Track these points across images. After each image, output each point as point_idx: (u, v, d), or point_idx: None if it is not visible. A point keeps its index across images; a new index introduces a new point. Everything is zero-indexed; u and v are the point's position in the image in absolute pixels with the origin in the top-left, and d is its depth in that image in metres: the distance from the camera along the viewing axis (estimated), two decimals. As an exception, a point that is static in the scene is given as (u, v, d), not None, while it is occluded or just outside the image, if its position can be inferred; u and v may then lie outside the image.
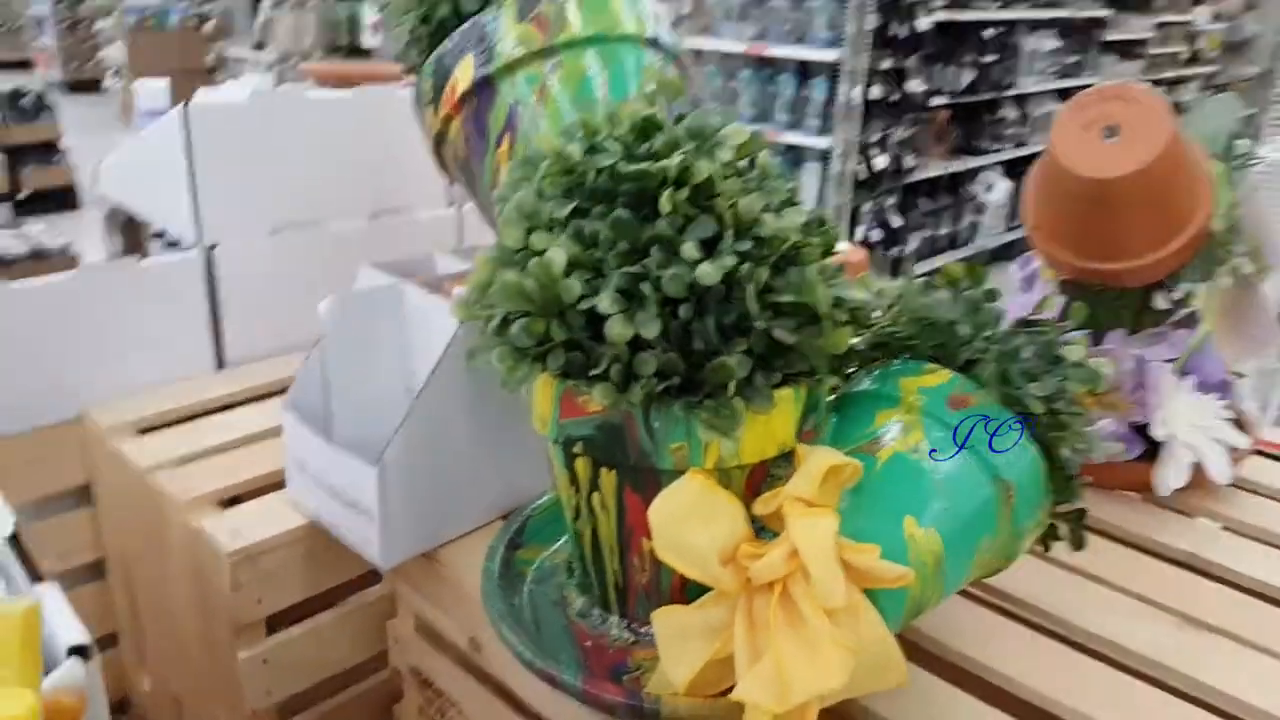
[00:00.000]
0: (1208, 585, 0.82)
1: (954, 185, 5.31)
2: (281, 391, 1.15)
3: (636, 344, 0.58)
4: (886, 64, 4.55)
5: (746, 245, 0.59)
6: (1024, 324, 0.68)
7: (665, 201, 0.58)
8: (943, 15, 4.71)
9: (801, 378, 0.62)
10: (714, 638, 0.62)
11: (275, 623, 0.93)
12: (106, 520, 1.12)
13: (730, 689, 0.62)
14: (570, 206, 0.59)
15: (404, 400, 0.92)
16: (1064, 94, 6.03)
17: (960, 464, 0.65)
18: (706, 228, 0.59)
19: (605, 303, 0.56)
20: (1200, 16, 7.74)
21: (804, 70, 4.68)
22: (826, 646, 0.57)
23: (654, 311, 0.57)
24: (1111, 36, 6.40)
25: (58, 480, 1.09)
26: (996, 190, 5.43)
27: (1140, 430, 0.92)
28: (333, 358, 0.85)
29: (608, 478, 0.65)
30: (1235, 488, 0.96)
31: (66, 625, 0.51)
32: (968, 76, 5.07)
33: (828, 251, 0.64)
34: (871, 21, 4.38)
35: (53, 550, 1.10)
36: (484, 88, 0.75)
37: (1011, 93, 5.47)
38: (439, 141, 0.81)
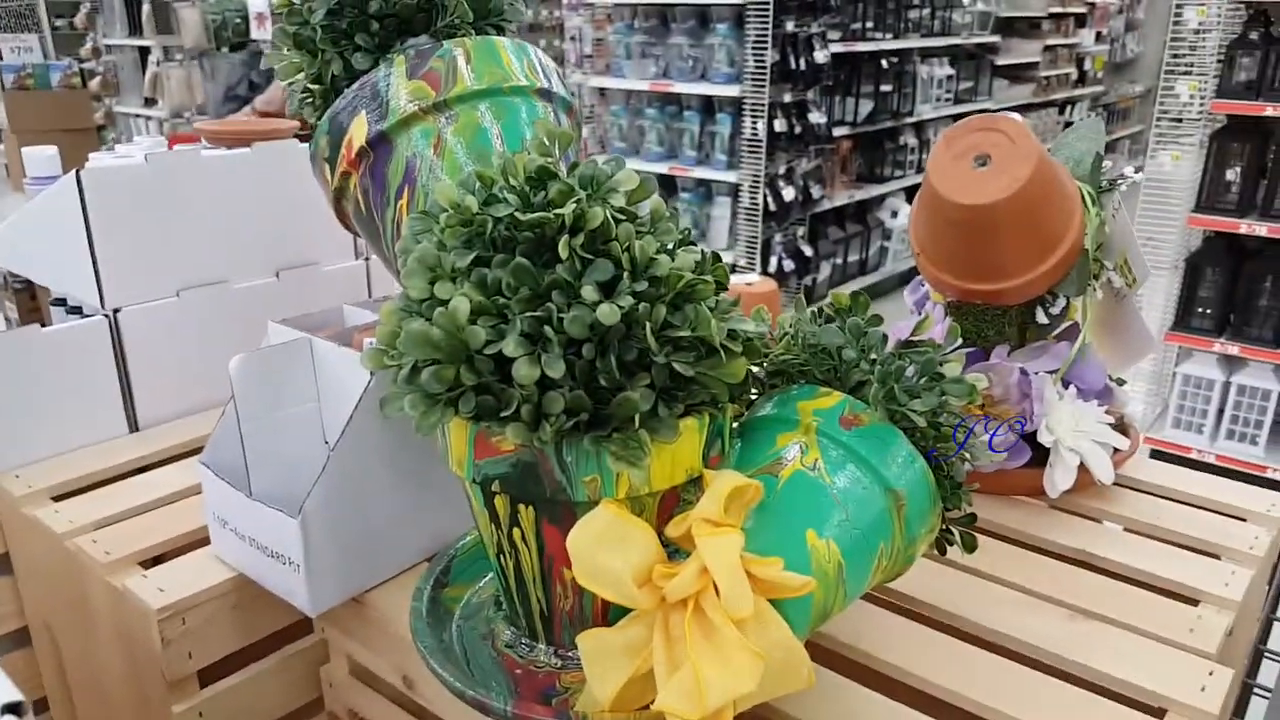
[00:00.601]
0: (1094, 579, 0.88)
1: (860, 213, 5.49)
2: (196, 450, 1.15)
3: (544, 384, 0.61)
4: (788, 97, 4.70)
5: (643, 285, 0.63)
6: (906, 344, 0.73)
7: (563, 248, 0.62)
8: (839, 47, 4.90)
9: (704, 407, 0.66)
10: (635, 655, 0.65)
11: (208, 675, 0.93)
12: (26, 588, 1.10)
13: (653, 703, 0.65)
14: (471, 256, 0.63)
15: (321, 451, 0.93)
16: (960, 119, 6.29)
17: (854, 478, 0.69)
18: (604, 270, 0.63)
19: (511, 347, 0.60)
20: (1086, 38, 8.17)
21: (709, 106, 4.81)
22: (737, 654, 0.60)
23: (558, 353, 0.60)
24: (1003, 61, 6.72)
25: (-27, 553, 1.07)
26: (901, 215, 5.63)
27: (1029, 438, 0.98)
28: (246, 414, 0.86)
29: (526, 513, 0.68)
30: (1121, 486, 1.03)
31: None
32: (867, 106, 5.26)
33: (721, 287, 0.68)
34: (770, 56, 4.53)
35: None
36: (380, 144, 0.78)
37: (910, 120, 5.70)
38: (339, 196, 0.83)
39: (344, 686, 0.95)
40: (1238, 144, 3.45)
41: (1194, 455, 3.48)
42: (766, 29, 4.48)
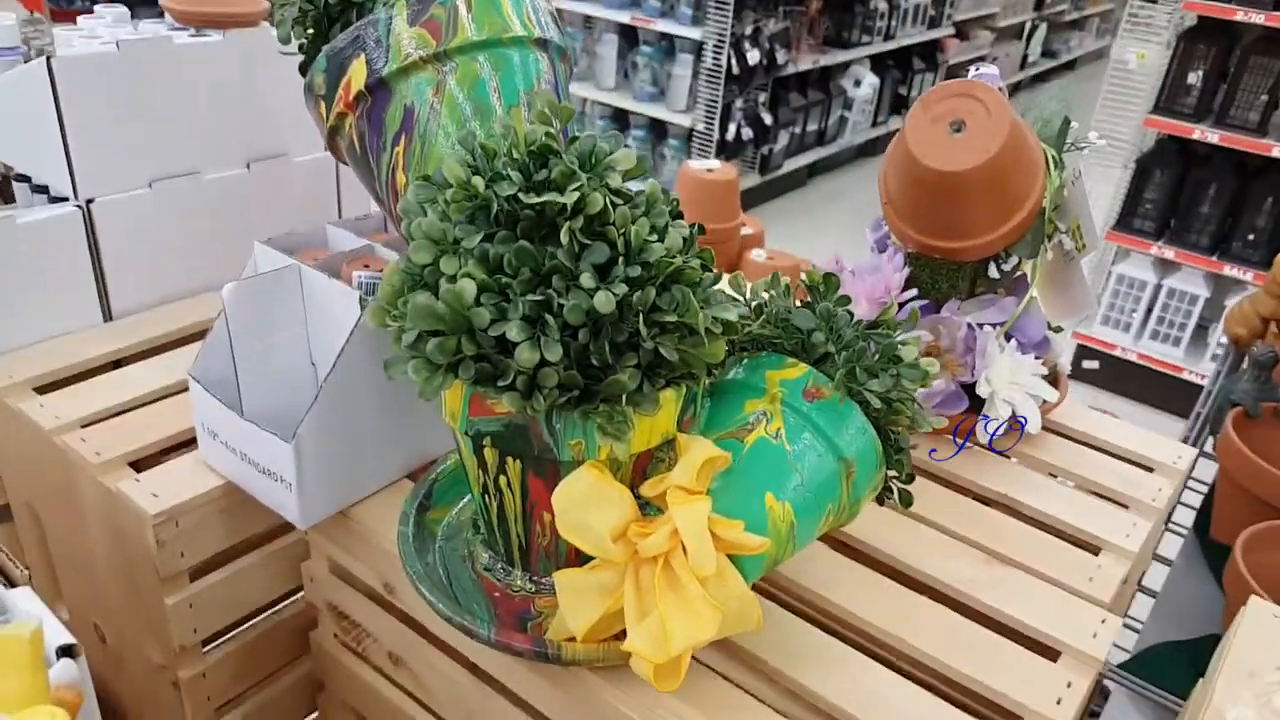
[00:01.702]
0: (1012, 523, 0.98)
1: (824, 79, 5.41)
2: (172, 345, 1.18)
3: (540, 362, 0.66)
4: (759, -48, 4.54)
5: (636, 271, 0.67)
6: (870, 326, 0.79)
7: (564, 234, 0.65)
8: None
9: (682, 380, 0.72)
10: (606, 595, 0.73)
11: (196, 569, 0.99)
12: (8, 471, 1.14)
13: (617, 636, 0.74)
14: (478, 238, 0.66)
15: (307, 370, 0.98)
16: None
17: (811, 446, 0.76)
18: (601, 254, 0.67)
19: (514, 331, 0.64)
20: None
21: (674, -43, 4.62)
22: (700, 607, 0.68)
23: (556, 337, 0.65)
24: (980, -70, 6.50)
25: (-47, 437, 1.10)
26: (864, 85, 5.57)
27: (968, 388, 1.06)
28: (238, 337, 0.89)
29: (513, 465, 0.74)
30: (1047, 431, 1.12)
31: (50, 627, 0.57)
32: (837, -30, 5.10)
33: (706, 267, 0.72)
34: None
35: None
36: (379, 89, 0.79)
37: (881, -15, 5.53)
38: (333, 134, 0.84)
39: (324, 582, 1.02)
40: (1203, 46, 3.47)
41: (1118, 352, 3.66)
42: None
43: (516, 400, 0.67)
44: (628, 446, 0.70)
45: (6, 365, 1.09)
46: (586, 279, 0.65)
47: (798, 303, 0.82)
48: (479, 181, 0.66)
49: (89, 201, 1.12)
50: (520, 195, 0.66)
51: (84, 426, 1.03)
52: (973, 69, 1.07)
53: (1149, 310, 3.70)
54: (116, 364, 1.16)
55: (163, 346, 1.17)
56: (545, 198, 0.66)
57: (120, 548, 0.98)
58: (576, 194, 0.65)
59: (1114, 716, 1.09)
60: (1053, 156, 1.04)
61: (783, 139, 5.02)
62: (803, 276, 0.81)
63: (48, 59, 1.03)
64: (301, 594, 1.09)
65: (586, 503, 0.70)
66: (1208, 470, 1.70)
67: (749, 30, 4.54)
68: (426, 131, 0.78)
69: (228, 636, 1.08)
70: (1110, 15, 8.76)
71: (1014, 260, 1.09)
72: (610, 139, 0.72)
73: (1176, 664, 1.51)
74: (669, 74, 4.63)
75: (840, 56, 5.35)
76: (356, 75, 0.78)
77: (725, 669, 0.80)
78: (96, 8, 1.27)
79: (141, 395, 1.07)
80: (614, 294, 0.65)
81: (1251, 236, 3.48)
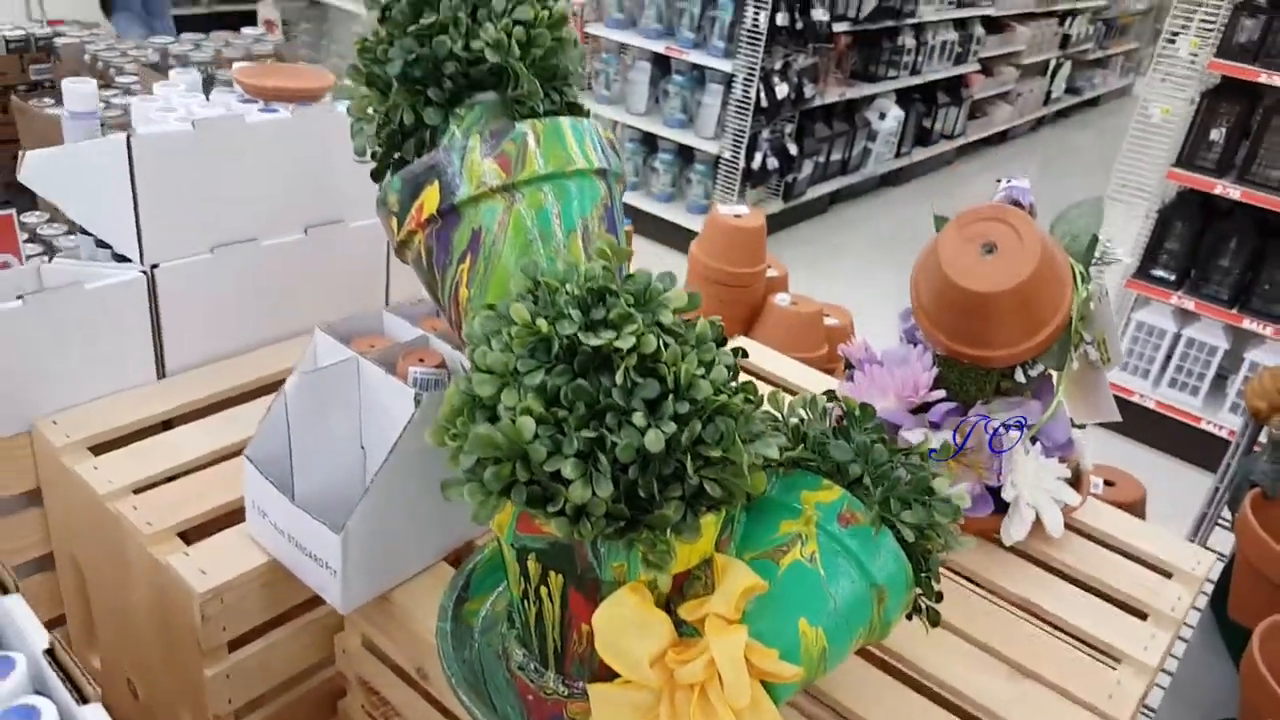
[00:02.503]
0: (1034, 632, 1.00)
1: (849, 112, 5.44)
2: (222, 405, 1.22)
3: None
4: (792, -11, 4.57)
5: (685, 407, 0.70)
6: (904, 453, 0.82)
7: (620, 374, 0.69)
8: (842, -57, 4.74)
9: (722, 505, 0.75)
10: (640, 713, 0.76)
11: (234, 640, 1.03)
12: (56, 525, 1.18)
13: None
14: (539, 377, 0.69)
15: (357, 454, 1.01)
16: (960, 24, 6.17)
17: (845, 572, 0.79)
18: (651, 390, 0.70)
19: (568, 469, 0.67)
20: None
21: (708, -6, 4.67)
22: (734, 733, 0.71)
23: (608, 474, 0.68)
24: (1009, -32, 6.52)
25: (9, 486, 1.14)
26: (889, 118, 5.60)
27: (993, 490, 1.09)
28: (296, 426, 0.93)
29: (555, 578, 0.77)
30: (1069, 529, 1.15)
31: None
32: (870, 3, 5.14)
33: (749, 399, 0.75)
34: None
35: (5, 546, 1.17)
36: (449, 214, 0.82)
37: (911, 21, 5.57)
38: (402, 245, 0.88)
39: (356, 656, 1.06)
40: (1227, 105, 3.49)
41: (1136, 399, 3.67)
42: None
43: (565, 526, 0.71)
44: (668, 576, 0.73)
45: (64, 424, 1.13)
46: (639, 417, 0.68)
47: (833, 425, 0.85)
48: (543, 323, 0.70)
49: (154, 267, 1.16)
50: (580, 334, 0.70)
51: (136, 493, 1.06)
52: (1001, 185, 1.10)
53: (1168, 358, 3.71)
54: (167, 423, 1.20)
55: (213, 406, 1.21)
56: (603, 339, 0.69)
57: (163, 616, 1.02)
58: (633, 338, 0.69)
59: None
60: (1080, 272, 1.07)
61: (807, 168, 5.06)
62: (841, 401, 0.84)
63: (128, 137, 1.08)
64: (330, 668, 1.13)
65: (627, 628, 0.73)
66: (1226, 540, 1.71)
67: (778, 65, 4.58)
68: (491, 254, 0.82)
69: (260, 710, 1.11)
70: (1134, 54, 8.77)
71: (1040, 368, 1.12)
72: (665, 277, 0.75)
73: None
74: (699, 102, 4.68)
75: (866, 90, 5.38)
76: (430, 199, 0.82)
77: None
78: (171, 73, 1.31)
79: (191, 460, 1.11)
80: (663, 432, 0.68)
81: (1270, 288, 3.49)
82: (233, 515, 1.05)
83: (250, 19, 5.87)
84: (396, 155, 0.92)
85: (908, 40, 5.65)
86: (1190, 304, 3.63)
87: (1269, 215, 3.52)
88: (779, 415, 0.85)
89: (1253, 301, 3.52)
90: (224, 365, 1.27)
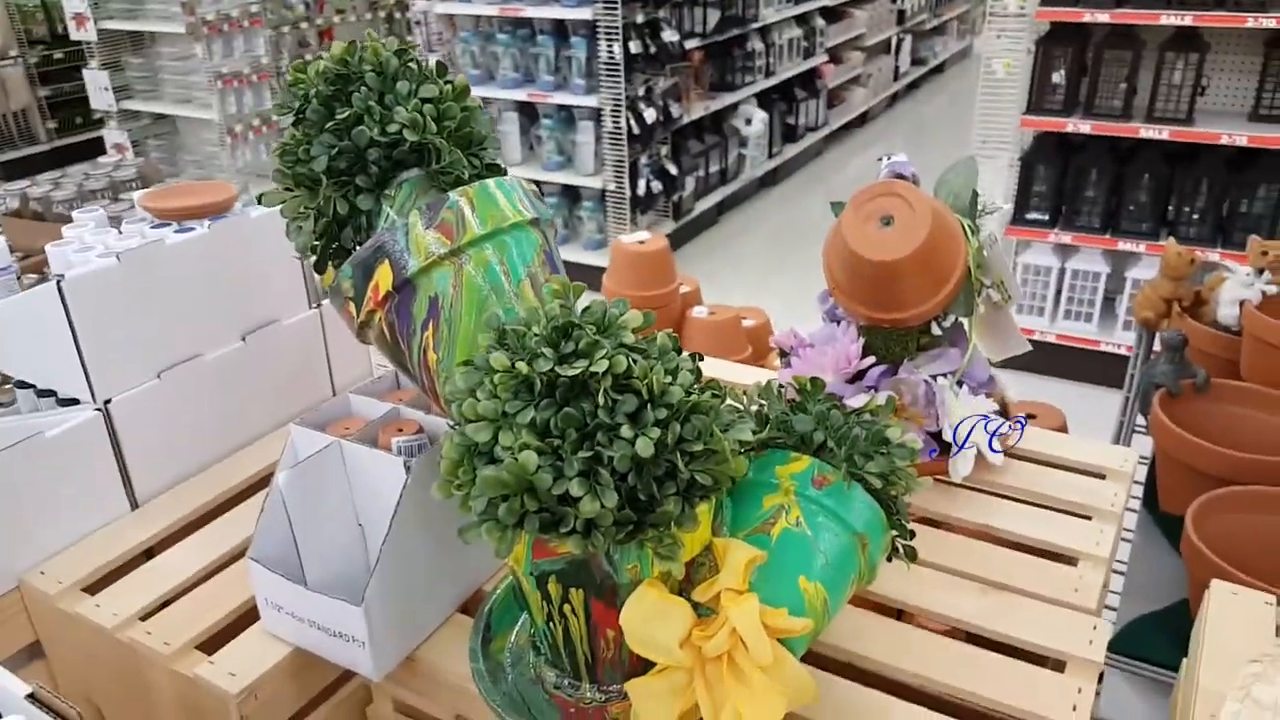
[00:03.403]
0: (997, 551, 1.11)
1: (717, 123, 5.64)
2: (199, 523, 1.24)
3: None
4: (640, 17, 4.74)
5: (663, 413, 0.78)
6: (857, 414, 0.91)
7: (600, 396, 0.76)
8: (681, -43, 4.93)
9: (712, 493, 0.83)
10: (677, 696, 0.83)
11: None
12: (64, 671, 1.19)
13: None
14: (530, 414, 0.76)
15: (355, 532, 1.06)
16: (801, 19, 6.45)
17: (828, 528, 0.88)
18: (631, 403, 0.78)
19: (575, 488, 0.74)
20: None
21: (561, 29, 4.80)
22: (766, 692, 0.79)
23: (610, 485, 0.75)
24: (836, -41, 6.84)
25: (6, 647, 1.15)
26: (755, 121, 5.81)
27: (935, 435, 1.20)
28: (296, 517, 0.98)
29: (576, 594, 0.84)
30: (1008, 457, 1.26)
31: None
32: (714, 16, 5.35)
33: (715, 394, 0.84)
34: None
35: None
36: (405, 287, 0.89)
37: (755, 25, 5.81)
38: (363, 327, 0.94)
39: (392, 721, 1.10)
40: (1061, 48, 3.75)
41: (1037, 336, 3.89)
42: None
43: (579, 542, 0.78)
44: (680, 564, 0.80)
45: (53, 572, 1.15)
46: (626, 430, 0.76)
47: (789, 403, 0.94)
48: (522, 365, 0.77)
49: (107, 403, 1.19)
50: (557, 368, 0.77)
51: (143, 620, 1.09)
52: (884, 164, 1.21)
53: (1058, 293, 3.94)
54: (149, 552, 1.22)
55: (191, 525, 1.24)
56: (579, 368, 0.77)
57: (199, 727, 1.05)
58: (605, 361, 0.77)
59: (1112, 696, 1.23)
60: (969, 226, 1.19)
61: (689, 184, 5.22)
62: (792, 381, 0.93)
63: (58, 282, 1.11)
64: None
65: (652, 619, 0.80)
66: (1145, 444, 1.86)
67: (641, 91, 4.73)
68: (451, 316, 0.89)
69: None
70: (968, 16, 9.26)
71: (952, 317, 1.23)
72: (618, 303, 0.83)
73: (1157, 636, 1.66)
74: (573, 141, 4.79)
75: (728, 99, 5.59)
76: (383, 278, 0.88)
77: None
78: (75, 214, 1.34)
79: (188, 578, 1.14)
80: (650, 438, 0.76)
81: (1134, 209, 3.76)
82: (244, 619, 1.09)
83: (95, 148, 5.80)
84: (334, 245, 0.98)
85: (756, 45, 5.88)
86: (1067, 238, 3.87)
87: (1119, 142, 3.79)
88: (741, 406, 0.94)
89: (1122, 224, 3.78)
90: (192, 483, 1.30)
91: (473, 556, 1.07)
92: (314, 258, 0.98)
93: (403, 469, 0.95)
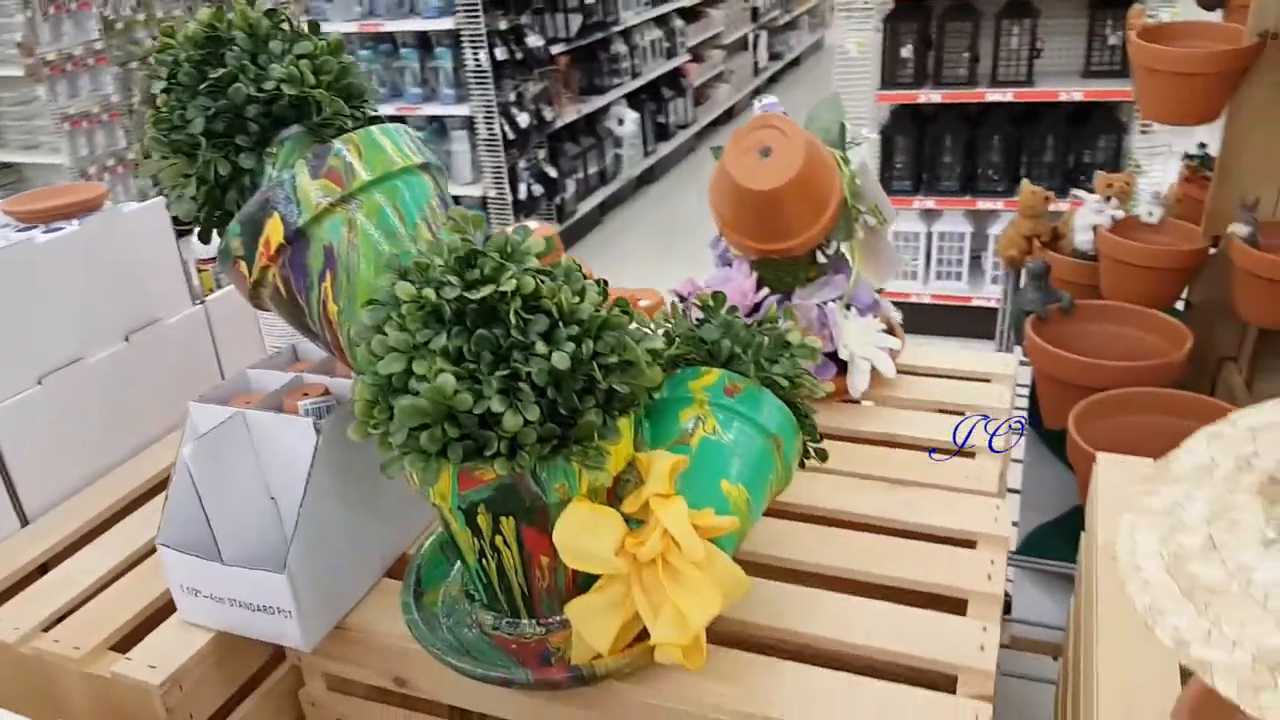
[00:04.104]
0: (901, 453, 1.16)
1: (591, 126, 5.69)
2: (90, 534, 1.19)
3: (523, 422, 0.77)
4: (503, 24, 4.75)
5: (575, 330, 0.79)
6: (759, 324, 0.95)
7: (512, 316, 0.77)
8: (539, -32, 4.97)
9: (631, 407, 0.85)
10: (617, 609, 0.85)
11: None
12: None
13: (634, 642, 0.86)
14: (442, 340, 0.76)
15: (269, 505, 1.04)
16: (660, 20, 6.57)
17: (742, 432, 0.91)
18: (543, 323, 0.79)
19: (496, 404, 0.75)
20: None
21: (425, 41, 4.77)
22: (703, 587, 0.81)
23: (531, 400, 0.76)
24: (686, -41, 6.98)
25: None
26: (628, 122, 5.89)
27: (831, 355, 1.25)
28: (205, 492, 0.95)
29: (507, 523, 0.85)
30: (901, 373, 1.32)
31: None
32: (576, 21, 5.40)
33: (624, 311, 0.86)
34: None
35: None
36: (297, 238, 0.88)
37: (617, 29, 5.89)
38: (256, 285, 0.92)
39: (325, 701, 1.07)
40: (906, 24, 3.93)
41: (913, 299, 4.06)
42: (470, -45, 4.47)
43: (505, 464, 0.78)
44: (607, 474, 0.82)
45: (-58, 595, 1.08)
46: (540, 346, 0.77)
47: (695, 321, 0.97)
48: (429, 293, 0.77)
49: (-15, 415, 1.13)
50: (466, 294, 0.78)
51: (46, 630, 1.03)
52: (758, 102, 1.26)
53: (928, 256, 4.12)
54: (43, 568, 1.16)
55: (86, 538, 1.18)
56: (487, 290, 0.77)
57: (122, 729, 1.00)
58: (513, 281, 0.78)
59: (1023, 596, 1.30)
60: (840, 157, 1.25)
61: (570, 187, 5.25)
62: (695, 299, 0.96)
63: (-82, 287, 1.05)
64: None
65: (584, 531, 0.81)
66: (1025, 375, 1.97)
67: (512, 97, 4.73)
68: (349, 264, 0.88)
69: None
70: (817, 10, 9.60)
71: (834, 245, 1.28)
72: (520, 230, 0.84)
73: (1057, 539, 1.75)
74: (448, 151, 4.76)
75: (599, 102, 5.64)
76: (274, 231, 0.87)
77: (721, 639, 0.93)
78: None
79: (89, 586, 1.09)
80: (566, 352, 0.77)
81: (990, 171, 3.97)
82: (157, 615, 1.05)
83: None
84: (219, 212, 0.96)
85: (620, 47, 5.96)
86: (931, 203, 4.06)
87: (968, 108, 3.99)
88: (650, 329, 0.96)
89: (979, 185, 3.98)
90: (84, 495, 1.24)
91: (396, 518, 1.05)
92: (198, 228, 0.96)
93: (312, 430, 0.94)
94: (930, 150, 4.10)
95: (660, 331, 0.96)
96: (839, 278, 1.28)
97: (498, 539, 0.86)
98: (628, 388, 0.81)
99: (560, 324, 0.79)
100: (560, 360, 0.76)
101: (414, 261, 0.81)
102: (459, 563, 1.01)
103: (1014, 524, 1.76)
